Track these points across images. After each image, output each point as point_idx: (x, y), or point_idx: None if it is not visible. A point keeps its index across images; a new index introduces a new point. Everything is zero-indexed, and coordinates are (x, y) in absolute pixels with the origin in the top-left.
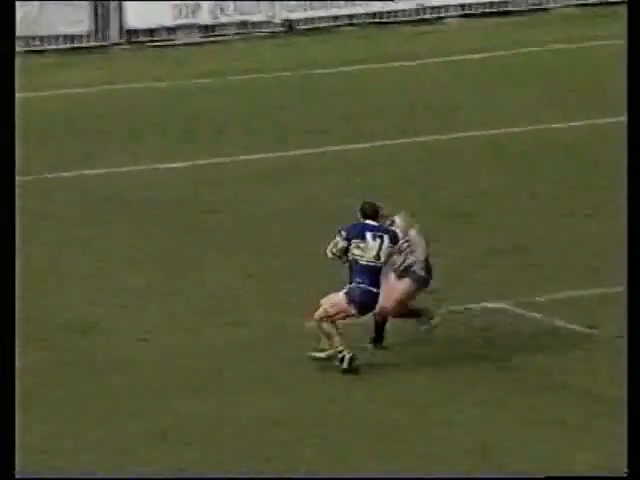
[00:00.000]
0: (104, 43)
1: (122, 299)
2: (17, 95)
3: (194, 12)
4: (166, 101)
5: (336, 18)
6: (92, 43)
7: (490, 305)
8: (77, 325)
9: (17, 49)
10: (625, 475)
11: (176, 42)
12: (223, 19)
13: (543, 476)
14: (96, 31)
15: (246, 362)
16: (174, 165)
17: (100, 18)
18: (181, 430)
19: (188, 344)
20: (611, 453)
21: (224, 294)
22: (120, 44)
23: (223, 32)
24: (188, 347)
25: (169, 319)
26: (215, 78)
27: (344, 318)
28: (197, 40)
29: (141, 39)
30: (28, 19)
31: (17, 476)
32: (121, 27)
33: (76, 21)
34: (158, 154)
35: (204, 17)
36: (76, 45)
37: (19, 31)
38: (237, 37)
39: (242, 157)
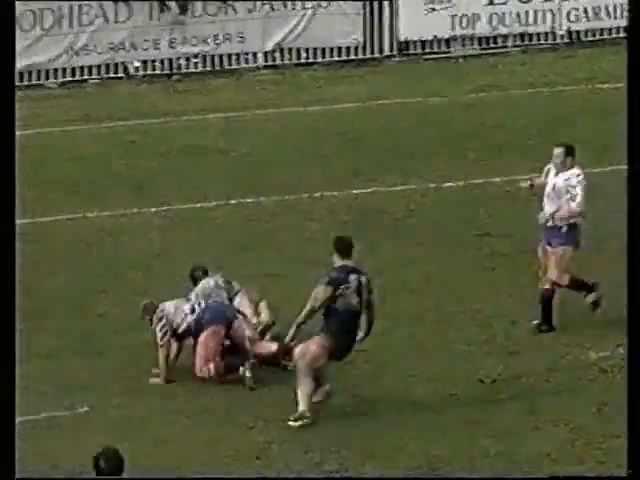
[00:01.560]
0: (376, 55)
1: (393, 324)
2: (284, 110)
3: (472, 23)
4: (441, 117)
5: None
6: (363, 55)
7: None
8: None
9: (284, 62)
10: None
11: (452, 54)
12: (502, 30)
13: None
14: (368, 43)
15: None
16: (446, 184)
17: (372, 29)
18: None
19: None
20: None
21: (499, 323)
22: (392, 56)
23: (502, 44)
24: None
25: (441, 348)
26: (493, 92)
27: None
28: (474, 52)
29: (414, 51)
30: (296, 31)
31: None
32: (394, 38)
33: (347, 32)
34: (430, 173)
35: (482, 28)
36: (346, 57)
37: (285, 43)
38: (517, 49)
39: (518, 177)
